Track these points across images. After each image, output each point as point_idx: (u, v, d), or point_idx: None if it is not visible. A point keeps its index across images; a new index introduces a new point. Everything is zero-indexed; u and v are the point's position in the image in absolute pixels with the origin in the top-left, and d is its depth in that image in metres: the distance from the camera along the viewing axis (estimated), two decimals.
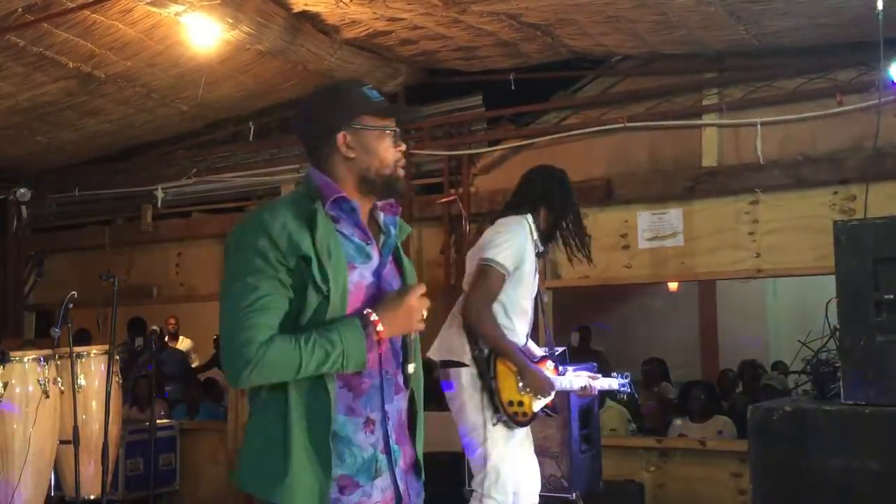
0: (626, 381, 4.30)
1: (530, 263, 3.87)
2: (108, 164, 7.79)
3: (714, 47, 5.52)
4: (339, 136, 2.17)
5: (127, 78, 5.97)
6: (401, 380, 2.22)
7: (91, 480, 5.16)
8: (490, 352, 3.76)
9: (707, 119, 5.73)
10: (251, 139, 7.24)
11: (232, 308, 2.04)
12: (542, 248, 3.97)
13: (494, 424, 3.72)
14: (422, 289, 2.19)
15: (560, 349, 4.44)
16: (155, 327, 6.61)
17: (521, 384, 3.77)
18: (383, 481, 2.17)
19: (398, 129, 2.24)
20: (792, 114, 5.44)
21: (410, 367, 2.23)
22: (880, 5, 4.03)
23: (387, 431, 2.16)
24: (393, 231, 2.27)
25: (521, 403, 3.78)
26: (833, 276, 3.20)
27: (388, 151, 2.21)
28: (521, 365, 3.78)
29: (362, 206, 2.21)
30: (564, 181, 4.10)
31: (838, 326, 3.18)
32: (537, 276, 4.00)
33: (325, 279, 2.05)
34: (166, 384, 8.58)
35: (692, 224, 5.69)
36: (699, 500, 5.51)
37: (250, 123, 7.16)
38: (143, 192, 7.51)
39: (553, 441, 4.47)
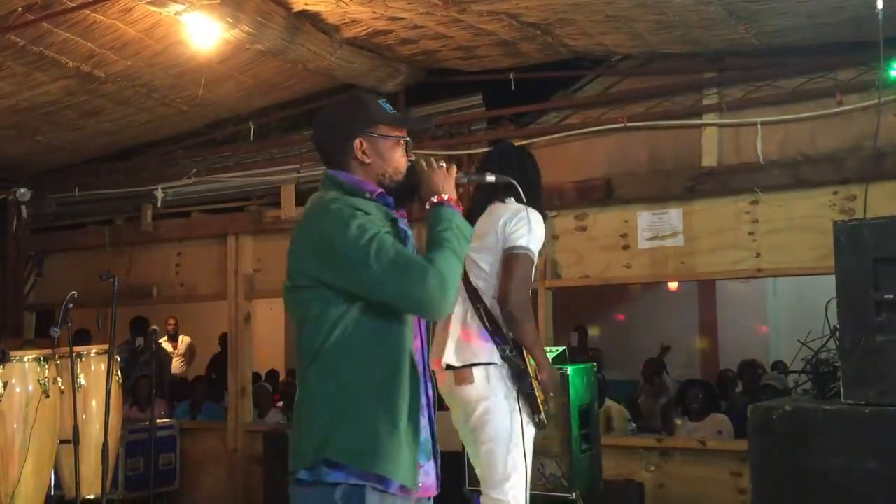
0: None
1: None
2: (108, 164, 7.79)
3: (714, 47, 5.52)
4: (356, 142, 2.35)
5: (127, 77, 5.97)
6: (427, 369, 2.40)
7: (91, 480, 5.16)
8: (517, 350, 3.50)
9: (707, 119, 5.73)
10: (251, 139, 7.24)
11: (378, 266, 2.17)
12: None
13: (536, 427, 3.53)
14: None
15: (560, 349, 4.44)
16: (154, 327, 6.59)
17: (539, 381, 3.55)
18: (433, 465, 2.34)
19: (410, 140, 2.42)
20: (792, 114, 5.44)
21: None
22: (880, 5, 4.03)
23: (431, 416, 2.35)
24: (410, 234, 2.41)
25: (545, 402, 3.58)
26: (833, 276, 3.20)
27: (401, 160, 2.39)
28: (545, 362, 3.59)
29: None
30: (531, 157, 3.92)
31: (838, 326, 3.18)
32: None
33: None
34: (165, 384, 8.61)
35: (692, 224, 5.69)
36: (699, 499, 5.51)
37: (250, 123, 7.16)
38: (143, 192, 7.50)
39: (553, 441, 4.47)
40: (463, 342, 3.57)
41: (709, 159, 5.68)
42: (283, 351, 9.37)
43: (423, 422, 2.29)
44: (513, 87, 6.17)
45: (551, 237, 5.99)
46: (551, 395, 3.67)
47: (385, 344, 2.25)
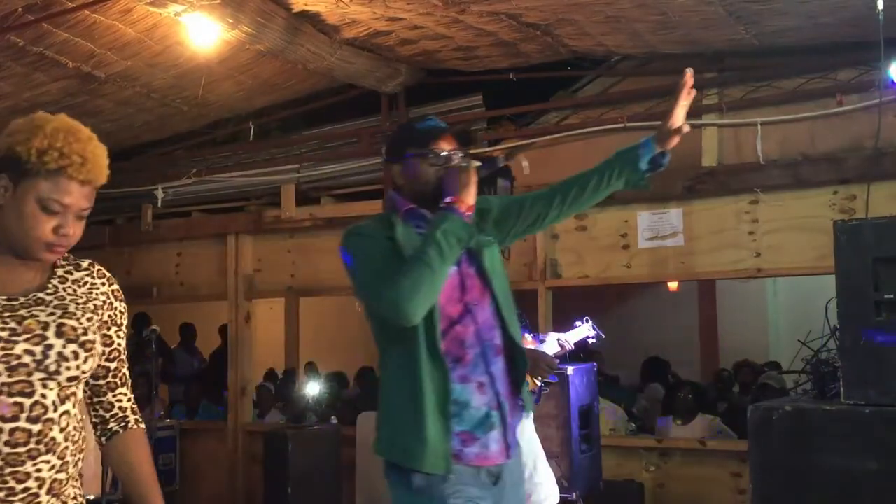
0: (590, 323, 4.48)
1: None
2: (108, 164, 7.78)
3: (714, 47, 5.52)
4: (393, 169, 2.65)
5: (127, 78, 5.96)
6: (500, 344, 2.57)
7: (91, 480, 5.16)
8: None
9: (707, 119, 5.73)
10: (251, 139, 7.24)
11: (359, 280, 2.52)
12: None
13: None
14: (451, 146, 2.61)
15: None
16: (155, 327, 6.59)
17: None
18: (497, 434, 2.52)
19: (435, 152, 2.58)
20: (792, 114, 5.44)
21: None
22: (880, 5, 4.03)
23: (497, 391, 2.53)
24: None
25: (540, 387, 3.86)
26: (833, 276, 3.20)
27: (427, 172, 2.58)
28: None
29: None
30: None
31: (838, 326, 3.18)
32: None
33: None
34: (172, 385, 8.62)
35: (692, 224, 5.69)
36: (699, 500, 5.51)
37: (250, 123, 7.16)
38: (143, 191, 7.51)
39: (553, 441, 4.47)
40: None
41: (709, 159, 5.68)
42: (283, 351, 9.35)
43: (479, 398, 2.50)
44: (513, 87, 6.17)
45: (551, 237, 5.99)
46: (547, 367, 3.89)
47: (401, 339, 2.48)
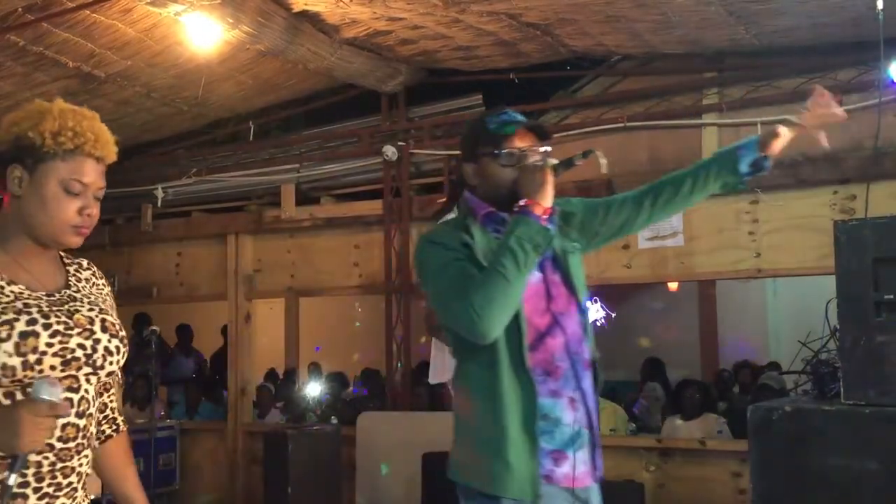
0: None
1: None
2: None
3: (714, 47, 5.52)
4: (466, 168, 2.44)
5: (127, 78, 5.97)
6: (588, 357, 2.41)
7: (91, 480, 5.15)
8: None
9: (707, 119, 5.73)
10: (251, 139, 7.24)
11: (433, 293, 2.33)
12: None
13: None
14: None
15: None
16: (155, 327, 6.59)
17: None
18: (585, 454, 2.41)
19: (512, 150, 2.36)
20: (792, 114, 5.43)
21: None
22: (880, 5, 4.02)
23: (588, 407, 2.39)
24: (552, 226, 2.34)
25: None
26: (833, 276, 3.20)
27: (500, 173, 2.36)
28: None
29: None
30: None
31: (838, 326, 3.18)
32: None
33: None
34: (171, 387, 8.62)
35: (692, 224, 5.69)
36: (699, 500, 5.50)
37: (250, 123, 7.16)
38: (143, 191, 7.51)
39: None
40: (439, 358, 3.90)
41: None
42: (283, 351, 9.36)
43: (571, 415, 2.34)
44: (513, 87, 6.17)
45: None
46: None
47: (482, 352, 2.28)
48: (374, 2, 5.04)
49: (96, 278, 2.04)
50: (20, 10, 4.91)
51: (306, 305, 8.78)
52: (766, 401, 3.93)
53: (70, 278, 1.96)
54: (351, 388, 8.87)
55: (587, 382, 2.38)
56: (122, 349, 1.90)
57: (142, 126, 6.96)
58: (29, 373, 1.74)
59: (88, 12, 5.02)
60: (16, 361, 1.72)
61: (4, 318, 1.74)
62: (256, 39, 5.29)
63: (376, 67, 6.13)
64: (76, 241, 1.89)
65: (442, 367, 3.83)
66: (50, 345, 1.77)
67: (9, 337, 1.72)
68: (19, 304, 1.78)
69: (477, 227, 2.36)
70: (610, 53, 5.92)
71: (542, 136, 2.43)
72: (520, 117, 2.43)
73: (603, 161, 2.57)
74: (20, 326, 1.74)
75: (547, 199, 2.29)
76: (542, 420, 2.28)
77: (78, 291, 1.93)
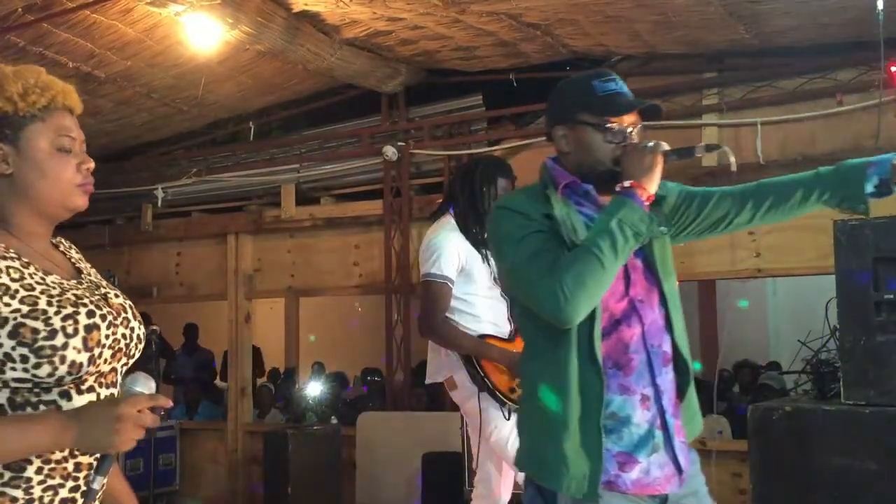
0: None
1: (473, 258, 3.72)
2: (108, 164, 7.78)
3: (714, 47, 5.52)
4: (557, 130, 2.21)
5: (127, 78, 5.97)
6: (668, 351, 2.23)
7: None
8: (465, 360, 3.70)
9: (707, 119, 5.73)
10: (251, 139, 7.25)
11: (512, 267, 2.13)
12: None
13: (507, 419, 3.61)
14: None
15: None
16: (155, 327, 6.59)
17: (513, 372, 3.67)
18: (661, 457, 2.18)
19: (619, 126, 2.14)
20: (792, 114, 5.44)
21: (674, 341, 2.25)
22: (880, 5, 4.03)
23: (662, 407, 2.18)
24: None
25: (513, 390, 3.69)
26: (833, 276, 3.20)
27: (603, 148, 2.15)
28: (498, 357, 3.67)
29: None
30: (475, 172, 3.81)
31: (838, 326, 3.18)
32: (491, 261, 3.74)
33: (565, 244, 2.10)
34: (176, 387, 8.63)
35: None
36: None
37: (250, 123, 7.17)
38: (143, 191, 7.51)
39: None
40: (434, 359, 3.87)
41: (708, 159, 5.67)
42: (283, 351, 9.37)
43: (642, 414, 2.14)
44: (513, 87, 6.17)
45: None
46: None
47: (553, 334, 2.10)
48: (374, 2, 5.04)
49: (84, 262, 1.91)
50: (20, 10, 4.91)
51: (306, 305, 8.79)
52: (766, 401, 3.93)
53: (71, 260, 1.85)
54: (350, 388, 8.87)
55: (665, 379, 2.19)
56: (144, 337, 1.81)
57: (142, 126, 6.96)
58: (92, 368, 1.63)
59: (88, 13, 5.02)
60: (83, 357, 1.60)
61: (65, 312, 1.61)
62: (256, 40, 5.29)
63: (376, 68, 6.13)
64: (84, 202, 1.76)
65: (437, 367, 3.82)
66: (107, 336, 1.66)
67: (75, 332, 1.60)
68: (70, 296, 1.65)
69: (557, 197, 2.15)
70: (610, 54, 5.92)
71: (656, 115, 2.24)
72: (628, 90, 2.20)
73: (732, 160, 2.30)
74: (83, 320, 1.62)
75: (653, 185, 2.10)
76: (609, 419, 2.09)
77: (89, 275, 1.82)
